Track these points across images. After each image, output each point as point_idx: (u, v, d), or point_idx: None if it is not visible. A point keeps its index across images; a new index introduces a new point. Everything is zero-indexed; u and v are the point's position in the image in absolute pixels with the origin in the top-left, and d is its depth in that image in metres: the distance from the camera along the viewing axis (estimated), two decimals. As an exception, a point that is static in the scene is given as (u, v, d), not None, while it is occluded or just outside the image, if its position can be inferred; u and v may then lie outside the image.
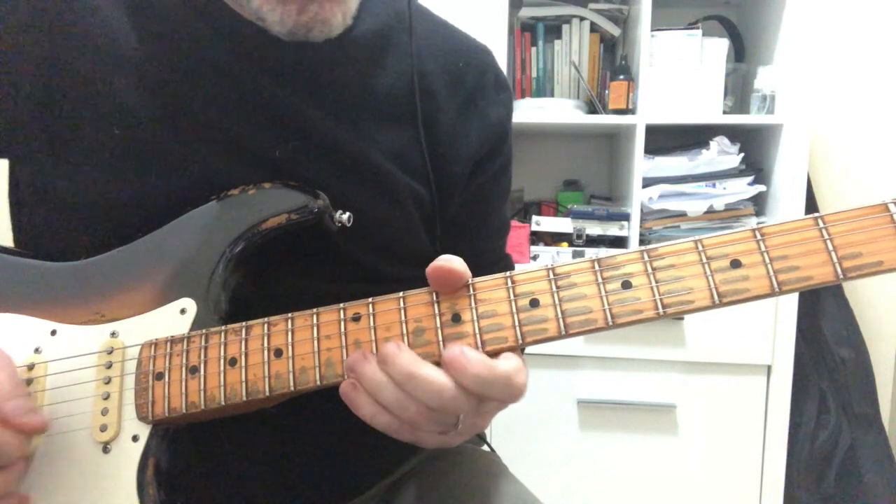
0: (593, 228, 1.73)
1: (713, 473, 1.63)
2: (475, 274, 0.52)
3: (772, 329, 1.59)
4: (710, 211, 1.69)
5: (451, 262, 0.50)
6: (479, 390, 0.47)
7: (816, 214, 0.46)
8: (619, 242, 1.75)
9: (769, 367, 1.60)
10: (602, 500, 1.67)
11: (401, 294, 0.52)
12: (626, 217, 1.71)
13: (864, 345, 1.78)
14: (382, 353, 0.48)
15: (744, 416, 1.62)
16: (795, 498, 1.71)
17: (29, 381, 0.56)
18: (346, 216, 0.62)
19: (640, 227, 1.71)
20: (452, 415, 0.48)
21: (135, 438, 0.54)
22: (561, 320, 0.48)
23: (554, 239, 1.79)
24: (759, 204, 1.74)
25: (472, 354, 0.47)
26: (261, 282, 0.62)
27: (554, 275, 0.49)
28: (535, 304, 0.49)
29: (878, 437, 1.74)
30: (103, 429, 0.54)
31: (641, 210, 1.71)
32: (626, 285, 0.48)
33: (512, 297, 0.49)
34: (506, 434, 1.67)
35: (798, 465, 1.73)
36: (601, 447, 1.66)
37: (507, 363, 0.48)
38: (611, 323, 0.47)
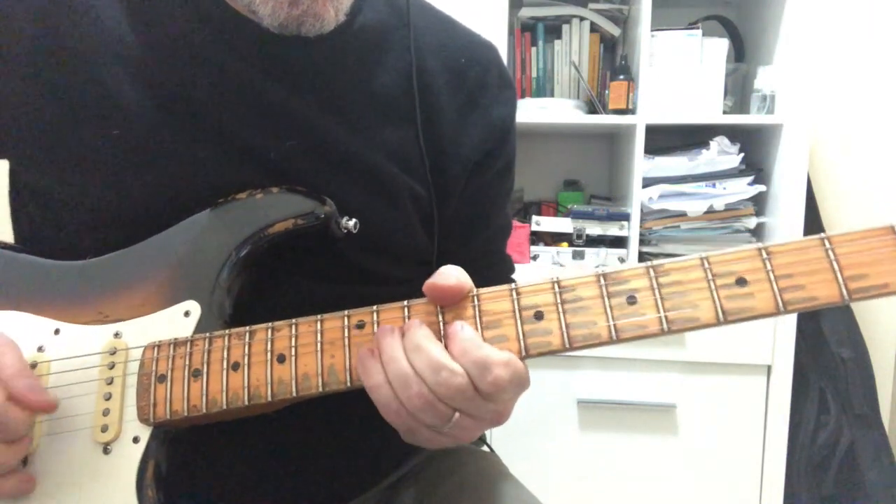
0: (593, 228, 1.73)
1: (713, 473, 1.63)
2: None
3: (772, 329, 1.59)
4: (710, 211, 1.69)
5: (447, 280, 0.50)
6: (472, 369, 0.47)
7: (822, 235, 0.46)
8: (619, 242, 1.75)
9: (769, 367, 1.60)
10: (602, 500, 1.67)
11: (405, 303, 0.52)
12: (626, 217, 1.71)
13: (864, 345, 1.78)
14: (405, 325, 0.49)
15: (744, 416, 1.62)
16: (795, 498, 1.71)
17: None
18: (352, 222, 0.62)
19: (640, 227, 1.71)
20: (447, 404, 0.48)
21: (135, 440, 0.54)
22: (565, 334, 0.48)
23: (554, 239, 1.79)
24: (759, 204, 1.73)
25: (468, 329, 0.48)
26: (264, 285, 0.62)
27: (559, 288, 0.49)
28: (539, 316, 0.49)
29: (879, 438, 1.73)
30: (104, 429, 0.54)
31: (641, 210, 1.70)
32: (632, 300, 0.48)
33: (516, 308, 0.50)
34: (506, 434, 1.67)
35: (798, 465, 1.73)
36: (601, 447, 1.66)
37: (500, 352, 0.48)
38: (615, 338, 0.47)
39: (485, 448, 0.86)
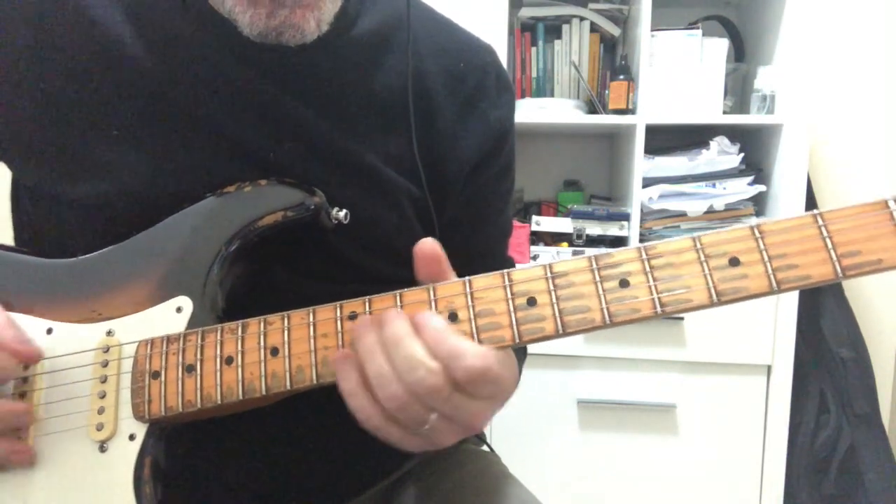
0: (593, 228, 1.73)
1: (713, 473, 1.63)
2: None
3: (772, 329, 1.58)
4: (710, 211, 1.69)
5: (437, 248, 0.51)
6: (446, 360, 0.47)
7: (815, 211, 0.45)
8: (619, 242, 1.75)
9: (769, 367, 1.60)
10: (602, 500, 1.67)
11: (397, 292, 0.52)
12: (626, 217, 1.71)
13: (864, 345, 1.78)
14: (384, 314, 0.49)
15: (744, 416, 1.62)
16: (795, 498, 1.71)
17: (25, 380, 0.56)
18: (342, 213, 0.62)
19: (640, 227, 1.71)
20: (423, 403, 0.47)
21: (131, 437, 0.53)
22: (558, 319, 0.48)
23: (554, 239, 1.79)
24: (759, 204, 1.74)
25: (437, 319, 0.48)
26: (258, 280, 0.62)
27: (551, 273, 0.49)
28: (532, 302, 0.49)
29: (878, 437, 1.73)
30: (100, 428, 0.54)
31: (641, 210, 1.71)
32: (624, 284, 0.47)
33: (509, 295, 0.49)
34: (506, 434, 1.67)
35: (798, 465, 1.73)
36: (601, 447, 1.66)
37: (473, 344, 0.48)
38: (608, 322, 0.47)
39: (485, 448, 0.86)
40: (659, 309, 0.46)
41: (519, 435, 1.67)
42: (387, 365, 0.47)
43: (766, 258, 0.45)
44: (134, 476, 0.53)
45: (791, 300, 1.59)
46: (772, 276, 0.45)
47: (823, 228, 0.45)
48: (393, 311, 0.49)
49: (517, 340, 0.48)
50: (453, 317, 0.50)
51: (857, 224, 0.44)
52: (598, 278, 0.48)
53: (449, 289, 0.51)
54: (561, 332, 0.48)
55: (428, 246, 0.51)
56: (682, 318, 1.60)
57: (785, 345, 1.59)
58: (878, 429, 1.74)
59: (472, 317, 0.49)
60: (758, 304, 1.59)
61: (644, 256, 0.48)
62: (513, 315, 0.49)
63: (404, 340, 0.47)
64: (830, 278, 0.44)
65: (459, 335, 0.48)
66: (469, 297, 0.50)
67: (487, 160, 0.74)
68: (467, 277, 0.51)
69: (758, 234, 0.46)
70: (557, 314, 0.48)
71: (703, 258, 0.46)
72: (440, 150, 0.70)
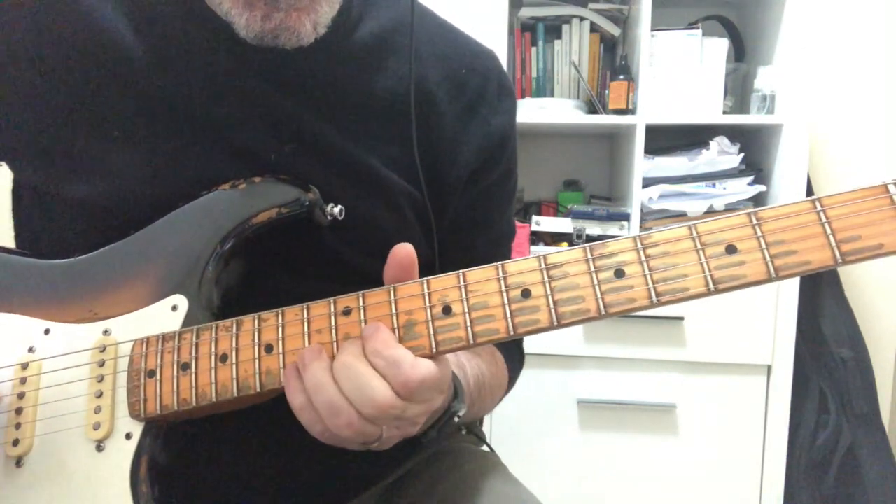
0: (593, 228, 1.73)
1: (713, 473, 1.63)
2: None
3: (772, 329, 1.58)
4: (710, 211, 1.69)
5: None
6: (387, 370, 0.48)
7: (814, 197, 0.45)
8: (619, 242, 1.75)
9: (769, 367, 1.60)
10: (602, 500, 1.67)
11: (391, 286, 0.52)
12: (626, 217, 1.71)
13: (864, 345, 1.77)
14: (341, 348, 0.50)
15: (744, 416, 1.62)
16: (795, 498, 1.71)
17: (23, 381, 0.56)
18: (337, 209, 0.62)
19: (640, 227, 1.71)
20: (376, 424, 0.49)
21: (128, 436, 0.53)
22: (553, 311, 0.48)
23: (554, 239, 1.79)
24: (759, 204, 1.73)
25: (384, 330, 0.49)
26: (255, 280, 0.62)
27: (546, 265, 0.49)
28: (526, 294, 0.48)
29: (878, 437, 1.73)
30: (96, 427, 0.54)
31: (641, 210, 1.71)
32: (619, 274, 0.47)
33: (503, 288, 0.49)
34: (506, 434, 1.66)
35: (798, 465, 1.72)
36: (601, 447, 1.66)
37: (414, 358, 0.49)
38: (603, 312, 0.47)
39: (485, 448, 0.85)
40: (655, 298, 0.46)
41: (519, 435, 1.66)
42: (337, 392, 0.48)
43: (763, 245, 0.45)
44: (130, 475, 0.53)
45: (791, 300, 1.59)
46: (770, 263, 0.45)
47: (822, 214, 0.44)
48: (348, 341, 0.50)
49: (511, 333, 0.48)
50: (447, 310, 0.50)
51: (857, 209, 0.44)
52: (592, 269, 0.48)
53: (443, 282, 0.51)
54: (556, 323, 0.48)
55: (404, 251, 0.52)
56: (681, 318, 1.60)
57: (785, 345, 1.59)
58: (878, 429, 1.74)
59: (465, 310, 0.49)
60: (758, 303, 1.59)
61: (639, 246, 0.47)
62: (507, 307, 0.49)
63: (353, 363, 0.48)
64: (829, 264, 0.44)
65: (401, 347, 0.49)
66: (463, 290, 0.50)
67: (487, 165, 0.74)
68: (461, 270, 0.51)
69: (755, 221, 0.46)
70: (552, 306, 0.48)
71: (699, 246, 0.46)
72: (440, 155, 0.70)
